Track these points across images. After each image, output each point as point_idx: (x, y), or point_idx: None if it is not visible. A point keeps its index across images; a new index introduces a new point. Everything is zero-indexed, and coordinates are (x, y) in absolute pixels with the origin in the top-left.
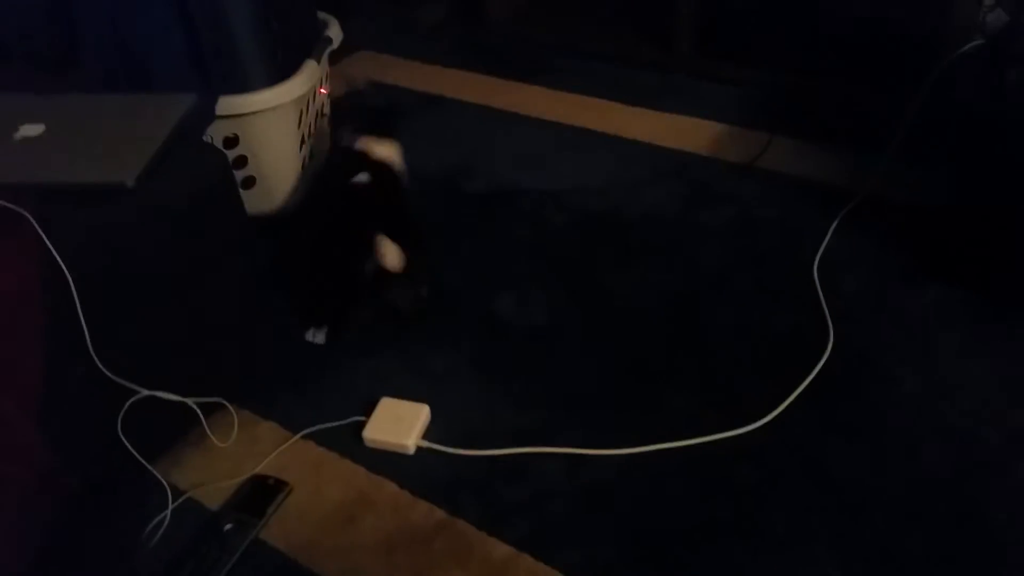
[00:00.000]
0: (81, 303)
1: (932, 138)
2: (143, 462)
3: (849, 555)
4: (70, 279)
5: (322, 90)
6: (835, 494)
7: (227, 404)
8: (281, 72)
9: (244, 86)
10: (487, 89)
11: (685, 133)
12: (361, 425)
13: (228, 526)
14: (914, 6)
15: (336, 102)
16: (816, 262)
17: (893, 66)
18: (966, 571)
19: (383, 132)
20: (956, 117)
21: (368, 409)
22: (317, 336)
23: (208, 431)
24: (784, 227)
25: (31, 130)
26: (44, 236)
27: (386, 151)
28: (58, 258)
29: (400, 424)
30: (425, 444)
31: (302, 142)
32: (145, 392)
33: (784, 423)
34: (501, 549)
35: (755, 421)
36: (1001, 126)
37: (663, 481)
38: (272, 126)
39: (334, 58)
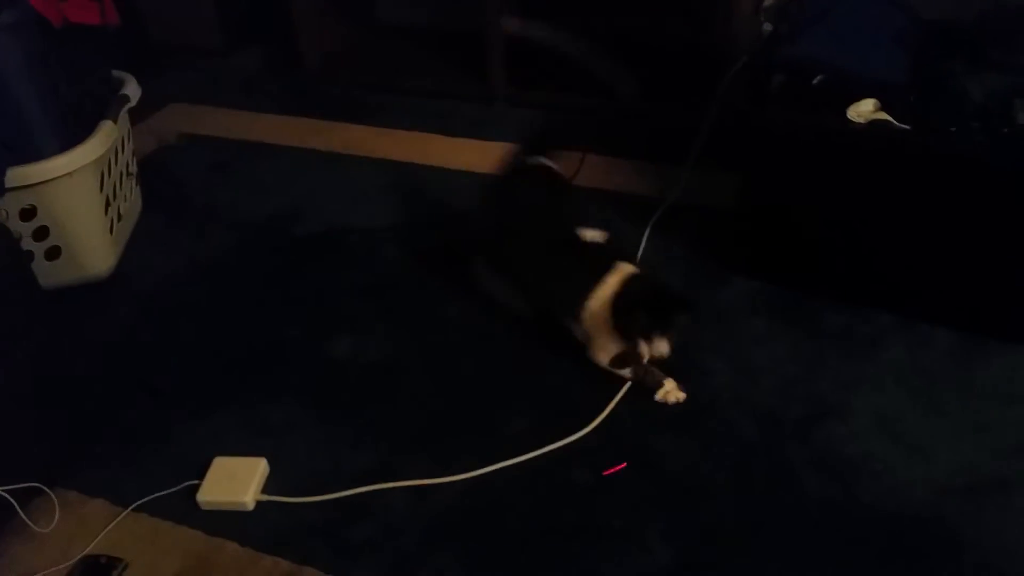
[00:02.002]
0: None
1: (723, 146)
2: None
3: (678, 538)
4: None
5: None
6: (663, 484)
7: (45, 488)
8: (75, 136)
9: (36, 154)
10: (309, 132)
11: None
12: (196, 489)
13: None
14: (702, 26)
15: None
16: None
17: (688, 82)
18: (778, 533)
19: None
20: (738, 125)
21: (203, 472)
22: None
23: (26, 519)
24: None
25: None
26: None
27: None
28: None
29: (235, 481)
30: (264, 498)
31: (107, 204)
32: None
33: (612, 425)
34: None
35: (586, 427)
36: (768, 131)
37: (506, 498)
38: (71, 192)
39: (142, 114)
